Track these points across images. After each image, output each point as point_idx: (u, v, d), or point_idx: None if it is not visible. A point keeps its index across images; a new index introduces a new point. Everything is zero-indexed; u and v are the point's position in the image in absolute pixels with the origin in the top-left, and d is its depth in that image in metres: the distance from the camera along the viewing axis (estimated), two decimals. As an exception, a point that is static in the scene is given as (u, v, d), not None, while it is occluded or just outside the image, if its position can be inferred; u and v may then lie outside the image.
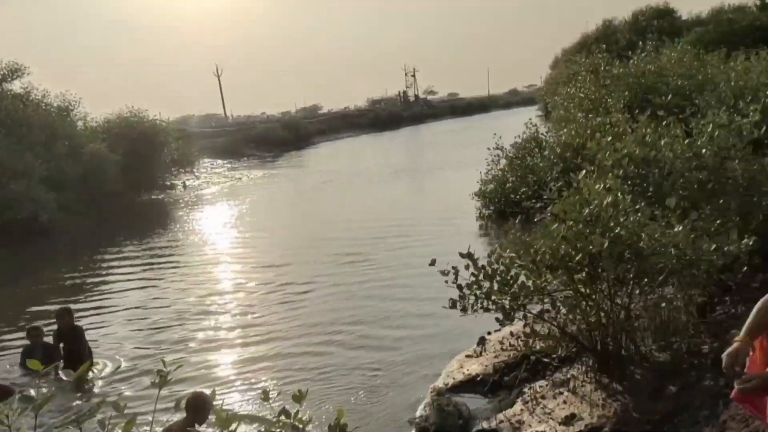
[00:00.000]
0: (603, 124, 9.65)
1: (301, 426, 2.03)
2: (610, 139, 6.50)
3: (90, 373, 7.47)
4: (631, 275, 4.81)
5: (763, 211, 6.02)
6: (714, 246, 4.57)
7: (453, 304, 4.87)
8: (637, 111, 7.38)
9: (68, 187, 19.96)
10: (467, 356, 6.74)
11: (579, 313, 4.98)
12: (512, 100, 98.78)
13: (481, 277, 4.84)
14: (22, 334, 8.07)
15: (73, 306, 9.02)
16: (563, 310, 5.04)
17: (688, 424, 4.00)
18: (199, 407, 4.59)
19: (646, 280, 4.92)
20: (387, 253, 12.57)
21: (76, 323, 7.88)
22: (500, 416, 5.21)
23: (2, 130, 19.19)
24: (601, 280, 4.87)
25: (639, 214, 4.77)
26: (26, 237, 16.84)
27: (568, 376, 5.30)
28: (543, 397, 5.20)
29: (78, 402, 6.81)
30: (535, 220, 10.07)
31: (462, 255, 4.88)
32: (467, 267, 4.87)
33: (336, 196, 22.82)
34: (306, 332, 8.59)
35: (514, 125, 18.00)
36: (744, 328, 2.62)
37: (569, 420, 4.72)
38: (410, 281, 10.15)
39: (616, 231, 4.58)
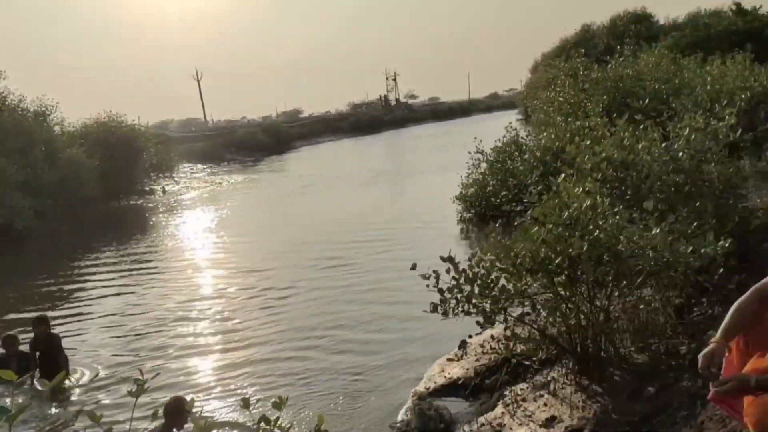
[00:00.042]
0: (582, 128, 9.72)
1: (280, 433, 2.02)
2: (588, 142, 6.56)
3: (67, 382, 7.36)
4: (610, 277, 4.85)
5: (739, 213, 6.12)
6: (691, 248, 4.63)
7: (434, 308, 4.87)
8: (615, 115, 7.46)
9: (45, 194, 19.72)
10: (449, 360, 6.74)
11: (559, 316, 5.01)
12: (493, 104, 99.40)
13: (461, 280, 4.85)
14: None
15: (49, 314, 8.89)
16: (543, 313, 5.07)
17: (667, 425, 4.04)
18: (176, 411, 4.55)
19: (624, 282, 4.96)
20: (368, 257, 12.56)
21: (52, 331, 7.76)
22: (481, 419, 5.22)
23: (-23, 136, 18.94)
24: (580, 282, 4.90)
25: (617, 217, 4.82)
26: (1, 244, 16.58)
27: (549, 378, 5.33)
28: (524, 400, 5.21)
29: (54, 412, 6.71)
30: (516, 223, 10.13)
31: (443, 259, 4.89)
32: (448, 271, 4.87)
33: (317, 200, 22.76)
34: (287, 337, 8.55)
35: (495, 129, 18.09)
36: (720, 330, 2.65)
37: (550, 422, 4.74)
38: (391, 285, 10.15)
39: (595, 234, 4.62)
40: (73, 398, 7.18)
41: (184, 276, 12.88)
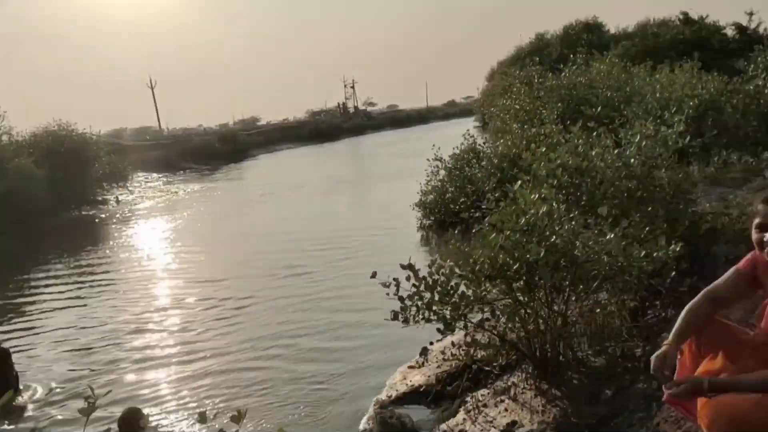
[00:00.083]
0: (537, 135, 9.88)
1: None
2: (544, 149, 6.65)
3: (19, 399, 7.12)
4: (567, 282, 4.93)
5: (689, 217, 6.29)
6: (644, 252, 4.73)
7: (395, 316, 4.86)
8: (569, 122, 7.61)
9: (-9, 205, 19.04)
10: (410, 367, 6.74)
11: (518, 321, 5.06)
12: (450, 112, 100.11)
13: (422, 287, 4.85)
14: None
15: (-3, 329, 8.59)
16: (503, 319, 5.11)
17: (624, 427, 4.11)
18: (128, 422, 4.45)
19: (581, 286, 5.04)
20: (328, 265, 12.49)
21: (1, 346, 7.49)
22: (443, 426, 5.23)
23: None
24: (538, 288, 4.96)
25: (573, 223, 4.89)
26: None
27: (509, 383, 5.37)
28: (485, 406, 5.24)
29: (8, 429, 6.48)
30: (474, 230, 10.22)
31: (403, 266, 4.88)
32: (408, 278, 4.87)
33: (275, 208, 22.57)
34: (246, 347, 8.43)
35: (453, 136, 18.23)
36: (672, 332, 2.71)
37: (510, 427, 4.77)
38: (353, 293, 10.11)
39: (552, 240, 4.68)
40: (26, 415, 6.94)
41: (139, 287, 12.59)
